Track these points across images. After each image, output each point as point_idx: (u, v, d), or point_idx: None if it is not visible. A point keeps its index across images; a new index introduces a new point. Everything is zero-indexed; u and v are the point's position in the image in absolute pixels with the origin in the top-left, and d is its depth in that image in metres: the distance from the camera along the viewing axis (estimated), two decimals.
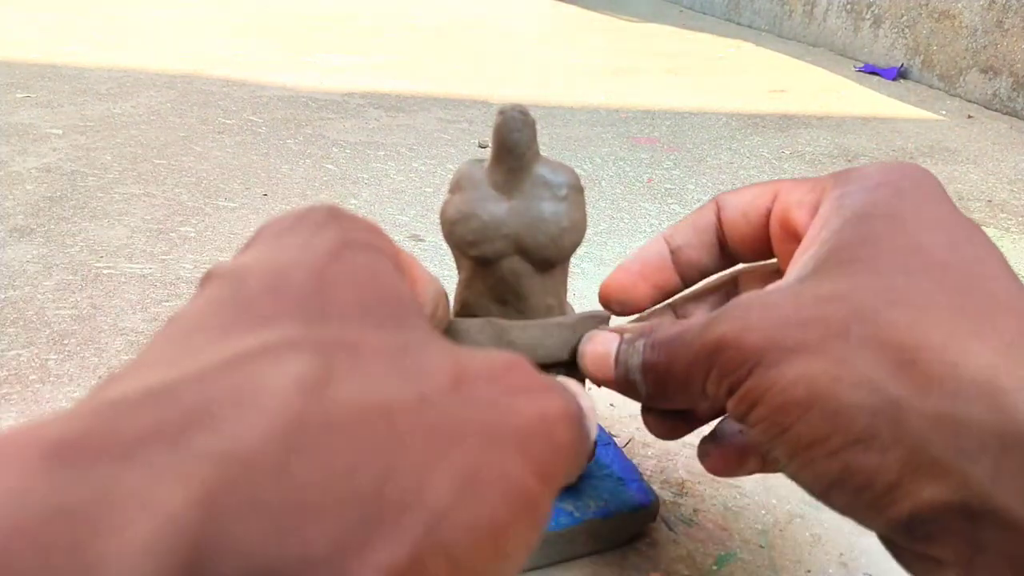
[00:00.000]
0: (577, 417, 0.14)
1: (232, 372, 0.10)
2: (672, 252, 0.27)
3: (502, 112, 0.24)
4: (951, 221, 0.19)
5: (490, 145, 0.25)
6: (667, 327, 0.21)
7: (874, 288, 0.18)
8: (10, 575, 0.08)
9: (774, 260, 0.26)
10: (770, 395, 0.18)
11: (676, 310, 0.29)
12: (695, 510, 0.34)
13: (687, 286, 0.28)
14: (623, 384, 0.23)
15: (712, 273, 0.28)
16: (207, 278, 0.14)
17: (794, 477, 0.19)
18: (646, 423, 0.26)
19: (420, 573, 0.10)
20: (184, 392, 0.10)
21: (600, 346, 0.24)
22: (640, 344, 0.22)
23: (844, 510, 0.18)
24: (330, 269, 0.13)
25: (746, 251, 0.26)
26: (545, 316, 0.27)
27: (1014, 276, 0.18)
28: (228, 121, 0.92)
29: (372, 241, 0.15)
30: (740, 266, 0.28)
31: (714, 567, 0.31)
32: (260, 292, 0.12)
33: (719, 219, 0.26)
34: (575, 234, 0.26)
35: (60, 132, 0.84)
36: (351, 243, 0.14)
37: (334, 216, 0.15)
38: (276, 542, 0.09)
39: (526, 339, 0.25)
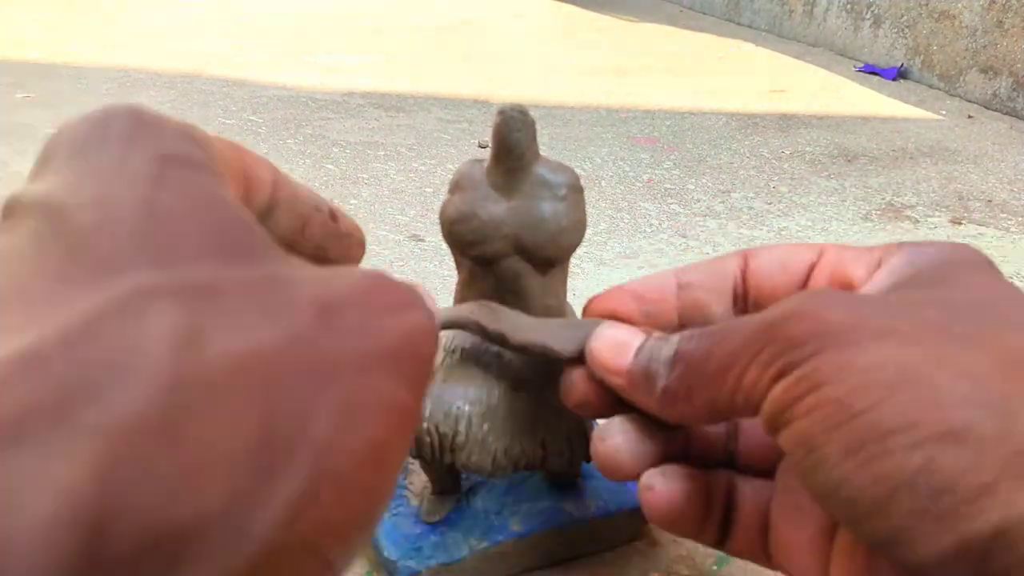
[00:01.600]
0: (435, 327, 0.14)
1: (98, 333, 0.10)
2: (679, 287, 0.24)
3: (501, 112, 0.24)
4: (1021, 295, 0.19)
5: (489, 145, 0.25)
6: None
7: (969, 303, 0.17)
8: None
9: None
10: (844, 375, 0.15)
11: None
12: None
13: (682, 327, 0.23)
14: (637, 376, 0.21)
15: (715, 322, 0.24)
16: (9, 211, 0.12)
17: (843, 478, 0.15)
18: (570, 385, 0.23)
19: (314, 505, 0.10)
20: (55, 361, 0.09)
21: (622, 334, 0.22)
22: (676, 337, 0.20)
23: (899, 524, 0.14)
24: (159, 198, 0.12)
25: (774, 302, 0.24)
26: (544, 316, 0.27)
27: None
28: (228, 121, 0.92)
29: (191, 154, 0.13)
30: None
31: (714, 567, 0.31)
32: (88, 230, 0.11)
33: (743, 270, 0.24)
34: (575, 234, 0.26)
35: None
36: (170, 160, 0.13)
37: (139, 123, 0.13)
38: (172, 505, 0.09)
39: (523, 326, 0.24)
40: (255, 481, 0.10)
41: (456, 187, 0.26)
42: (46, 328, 0.10)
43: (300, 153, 0.83)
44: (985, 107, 1.24)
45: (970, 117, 1.18)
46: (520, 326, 0.24)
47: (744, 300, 0.24)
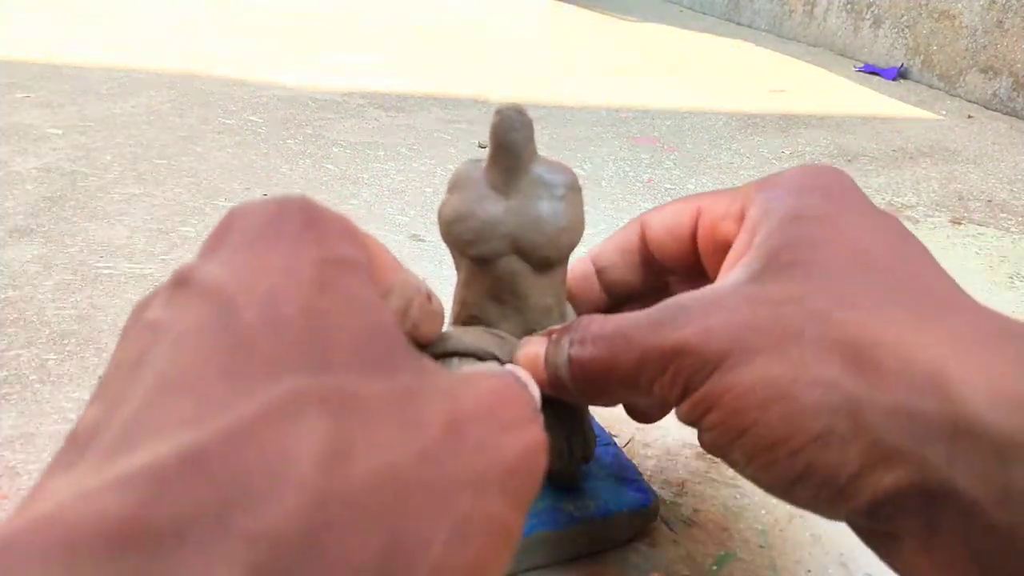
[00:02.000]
0: (546, 443, 0.15)
1: (256, 437, 0.11)
2: (597, 272, 0.28)
3: (499, 112, 0.24)
4: (879, 220, 0.21)
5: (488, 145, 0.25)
6: (600, 321, 0.21)
7: (823, 290, 0.19)
8: None
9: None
10: (726, 399, 0.18)
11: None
12: (695, 510, 0.34)
13: (615, 302, 0.29)
14: (554, 384, 0.23)
15: (640, 290, 0.29)
16: (182, 284, 0.14)
17: (754, 477, 0.19)
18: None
19: None
20: (215, 463, 0.11)
21: (532, 348, 0.24)
22: (565, 341, 0.22)
23: (807, 504, 0.18)
24: (320, 302, 0.13)
25: (676, 266, 0.27)
26: (544, 316, 0.27)
27: (944, 271, 0.20)
28: (228, 121, 0.92)
29: (348, 255, 0.15)
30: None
31: (714, 567, 0.31)
32: (256, 329, 0.12)
33: (643, 239, 0.27)
34: (573, 234, 0.26)
35: (60, 132, 0.84)
36: (333, 263, 0.14)
37: (310, 223, 0.15)
38: None
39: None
40: None
41: (454, 187, 0.26)
42: (210, 426, 0.11)
43: (300, 153, 0.83)
44: (985, 107, 1.24)
45: (970, 117, 1.18)
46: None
47: (652, 264, 0.27)
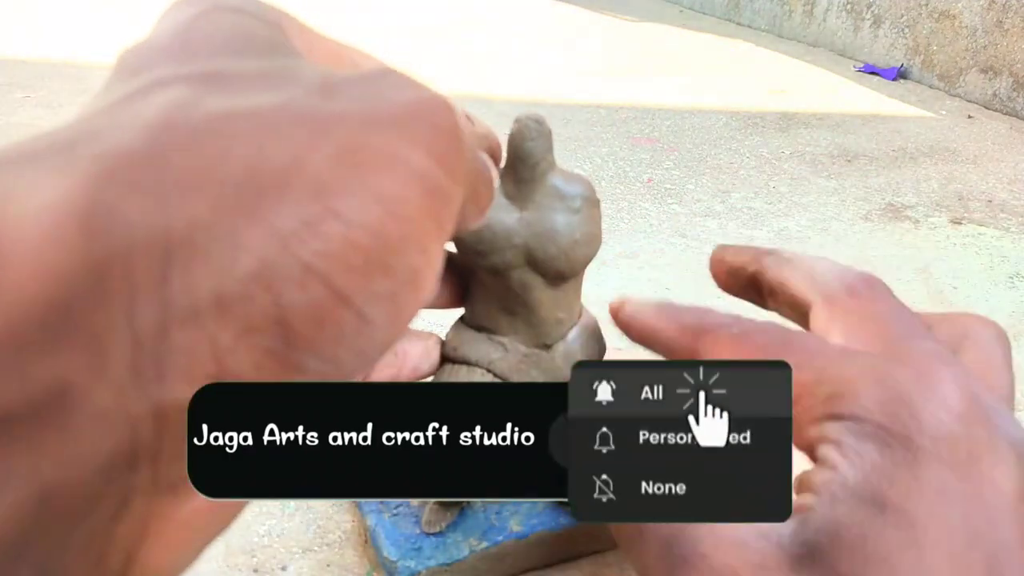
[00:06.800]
0: (452, 106, 0.13)
1: (113, 109, 0.11)
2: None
3: (517, 120, 0.24)
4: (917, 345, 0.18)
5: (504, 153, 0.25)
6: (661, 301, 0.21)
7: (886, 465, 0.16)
8: None
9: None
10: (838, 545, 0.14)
11: None
12: None
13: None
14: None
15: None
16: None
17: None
18: None
19: (313, 233, 0.11)
20: (74, 127, 0.11)
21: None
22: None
23: None
24: (195, 25, 0.13)
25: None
26: (554, 329, 0.27)
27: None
28: None
29: (245, 7, 0.14)
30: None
31: None
32: (134, 57, 0.13)
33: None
34: (587, 247, 0.25)
35: None
36: (219, 7, 0.14)
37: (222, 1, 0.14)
38: (160, 212, 0.10)
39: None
40: (245, 201, 0.10)
41: None
42: (79, 116, 0.11)
43: None
44: (985, 107, 1.24)
45: (970, 117, 1.18)
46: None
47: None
